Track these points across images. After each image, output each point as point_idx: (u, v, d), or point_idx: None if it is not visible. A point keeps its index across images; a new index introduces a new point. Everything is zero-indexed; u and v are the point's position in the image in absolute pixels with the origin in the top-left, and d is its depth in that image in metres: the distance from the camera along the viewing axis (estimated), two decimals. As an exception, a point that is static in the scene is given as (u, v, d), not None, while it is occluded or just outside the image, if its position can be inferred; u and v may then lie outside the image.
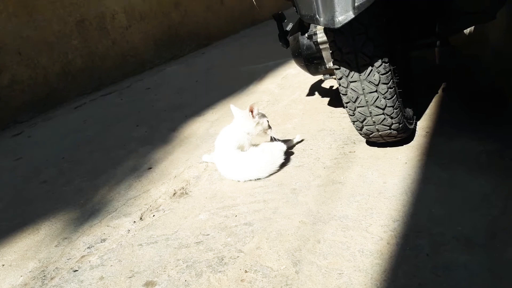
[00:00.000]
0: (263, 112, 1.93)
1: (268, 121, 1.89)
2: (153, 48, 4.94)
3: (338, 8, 1.33)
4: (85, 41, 4.17)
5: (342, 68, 1.56)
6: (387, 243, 1.26)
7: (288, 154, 1.90)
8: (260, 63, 4.01)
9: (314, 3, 1.39)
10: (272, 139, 1.91)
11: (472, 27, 2.53)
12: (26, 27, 3.66)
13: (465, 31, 2.63)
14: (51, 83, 3.86)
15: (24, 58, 3.64)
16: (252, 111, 1.83)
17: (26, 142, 3.02)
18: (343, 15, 1.32)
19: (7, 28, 3.51)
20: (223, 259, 1.33)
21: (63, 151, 2.65)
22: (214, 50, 5.32)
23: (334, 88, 2.79)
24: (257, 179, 1.77)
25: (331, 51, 1.60)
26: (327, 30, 1.59)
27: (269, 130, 1.90)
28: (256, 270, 1.26)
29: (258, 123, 1.85)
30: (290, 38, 2.21)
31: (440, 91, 2.28)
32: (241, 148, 1.83)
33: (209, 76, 3.95)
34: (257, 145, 1.89)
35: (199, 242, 1.45)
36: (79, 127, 3.11)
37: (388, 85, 1.53)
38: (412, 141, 1.82)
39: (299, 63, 2.21)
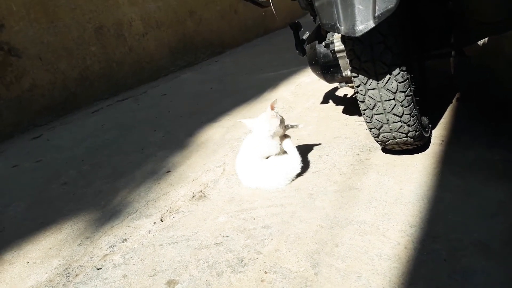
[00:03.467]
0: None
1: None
2: (168, 55, 5.03)
3: (358, 18, 1.37)
4: (103, 48, 4.27)
5: (360, 76, 1.60)
6: (405, 247, 1.28)
7: (304, 160, 1.93)
8: (274, 71, 4.06)
9: (335, 13, 1.43)
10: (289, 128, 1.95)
11: (487, 38, 2.55)
12: (47, 33, 3.76)
13: (479, 42, 2.66)
14: (69, 88, 3.95)
15: (44, 63, 3.74)
16: (272, 108, 1.83)
17: (45, 145, 3.09)
18: (364, 24, 1.36)
19: (28, 33, 3.61)
20: (243, 260, 1.37)
21: (82, 154, 2.71)
22: (228, 58, 5.40)
23: (348, 96, 2.83)
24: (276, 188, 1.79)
25: (349, 59, 1.63)
26: (345, 39, 1.63)
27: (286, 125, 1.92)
28: (276, 271, 1.29)
29: (280, 120, 1.84)
30: (307, 47, 2.26)
31: (454, 101, 2.30)
32: (269, 155, 1.85)
33: (223, 83, 4.00)
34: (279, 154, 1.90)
35: (218, 243, 1.48)
36: (97, 131, 3.17)
37: (406, 93, 1.56)
38: (428, 149, 1.84)
39: (315, 71, 2.25)
